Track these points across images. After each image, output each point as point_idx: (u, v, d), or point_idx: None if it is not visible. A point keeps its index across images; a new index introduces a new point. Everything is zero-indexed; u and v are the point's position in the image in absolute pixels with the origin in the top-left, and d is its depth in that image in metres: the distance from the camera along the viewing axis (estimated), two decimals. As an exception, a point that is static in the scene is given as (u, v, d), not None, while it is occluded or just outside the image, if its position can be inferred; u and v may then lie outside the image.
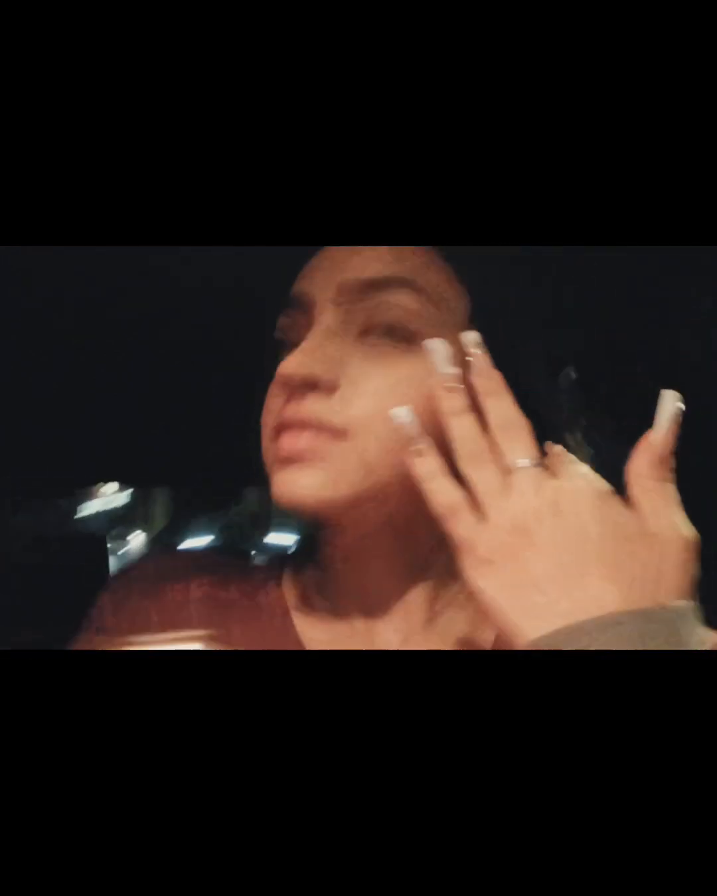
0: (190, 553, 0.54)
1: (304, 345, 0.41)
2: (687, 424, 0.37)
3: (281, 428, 0.41)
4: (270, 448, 0.43)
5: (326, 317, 0.42)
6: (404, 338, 0.41)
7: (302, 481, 0.40)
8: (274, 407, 0.43)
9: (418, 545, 0.44)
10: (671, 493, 0.36)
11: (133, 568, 0.52)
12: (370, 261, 0.42)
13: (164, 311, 0.74)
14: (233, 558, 0.53)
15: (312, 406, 0.41)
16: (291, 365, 0.40)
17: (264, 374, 0.44)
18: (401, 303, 0.41)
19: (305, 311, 0.43)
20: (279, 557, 0.52)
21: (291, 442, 0.41)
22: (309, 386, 0.40)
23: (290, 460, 0.41)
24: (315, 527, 0.47)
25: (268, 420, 0.43)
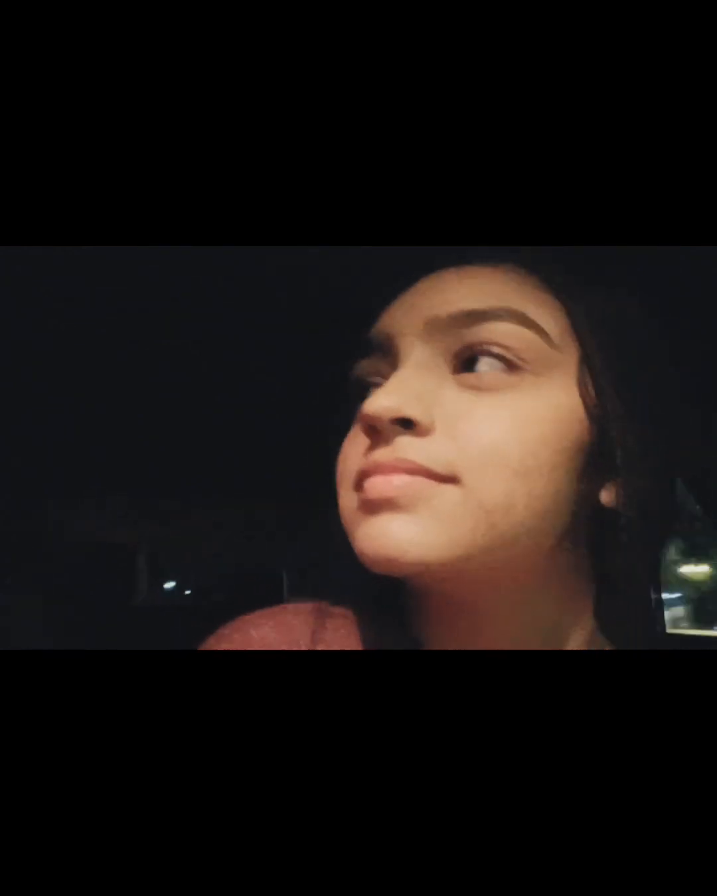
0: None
1: (390, 382, 0.37)
2: None
3: (368, 472, 0.36)
4: (350, 498, 0.37)
5: (415, 353, 0.38)
6: (505, 371, 0.37)
7: (399, 532, 0.34)
8: (354, 452, 0.38)
9: (544, 618, 0.39)
10: None
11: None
12: (460, 294, 0.38)
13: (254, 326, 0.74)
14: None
15: (407, 447, 0.35)
16: (378, 403, 0.35)
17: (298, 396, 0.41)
18: (500, 333, 0.37)
19: (387, 350, 0.39)
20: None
21: (383, 486, 0.35)
22: (401, 426, 0.36)
23: (380, 507, 0.35)
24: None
25: (347, 467, 0.38)
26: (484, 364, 0.37)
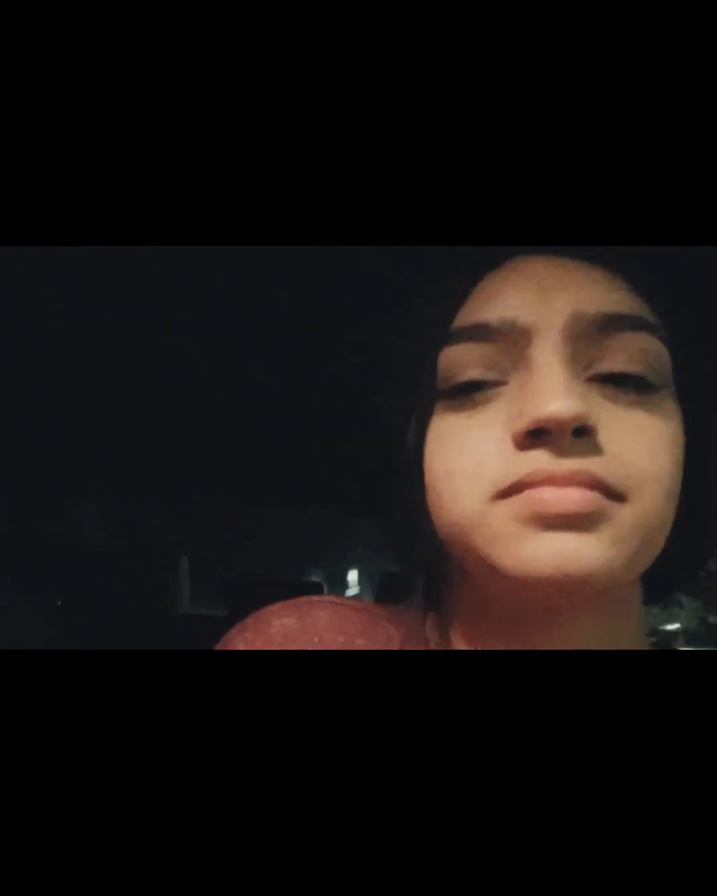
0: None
1: (552, 381, 0.33)
2: None
3: (533, 483, 0.32)
4: (486, 506, 0.34)
5: (562, 351, 0.34)
6: (636, 387, 0.35)
7: (586, 553, 0.31)
8: (490, 453, 0.34)
9: (620, 623, 0.38)
10: None
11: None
12: (599, 291, 0.35)
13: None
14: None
15: (585, 458, 0.32)
16: (570, 407, 0.32)
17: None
18: (641, 343, 0.35)
19: (514, 342, 0.35)
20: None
21: (560, 499, 0.32)
22: (575, 435, 0.32)
23: (556, 524, 0.32)
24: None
25: (495, 472, 0.34)
26: (627, 373, 0.35)
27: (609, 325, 0.34)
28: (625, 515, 0.32)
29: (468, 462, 0.34)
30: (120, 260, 0.66)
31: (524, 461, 0.33)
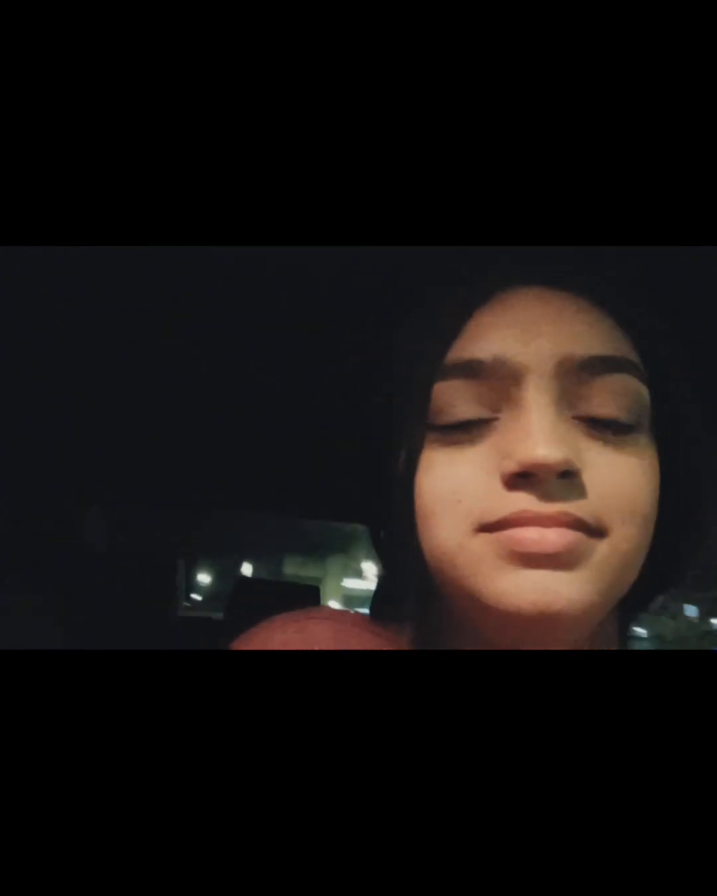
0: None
1: (540, 425, 0.34)
2: None
3: (518, 522, 0.34)
4: (473, 539, 0.35)
5: (549, 392, 0.35)
6: (617, 427, 0.36)
7: (564, 591, 0.33)
8: (477, 490, 0.35)
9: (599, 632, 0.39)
10: None
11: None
12: (585, 330, 0.37)
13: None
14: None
15: (565, 498, 0.34)
16: (554, 454, 0.33)
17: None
18: (624, 385, 0.36)
19: (505, 381, 0.36)
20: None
21: (542, 539, 0.33)
22: (561, 474, 0.34)
23: (538, 562, 0.33)
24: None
25: (467, 506, 0.35)
26: (609, 415, 0.36)
27: (595, 367, 0.36)
28: (602, 550, 0.34)
29: (456, 495, 0.36)
30: (120, 260, 0.66)
31: (511, 500, 0.34)
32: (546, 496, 0.34)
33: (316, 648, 0.41)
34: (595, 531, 0.34)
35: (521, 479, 0.34)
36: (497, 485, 0.35)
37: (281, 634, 0.41)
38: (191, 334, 0.82)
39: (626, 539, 0.35)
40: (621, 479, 0.35)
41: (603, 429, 0.36)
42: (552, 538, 0.33)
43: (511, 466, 0.34)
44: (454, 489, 0.36)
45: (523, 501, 0.34)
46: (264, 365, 0.88)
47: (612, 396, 0.36)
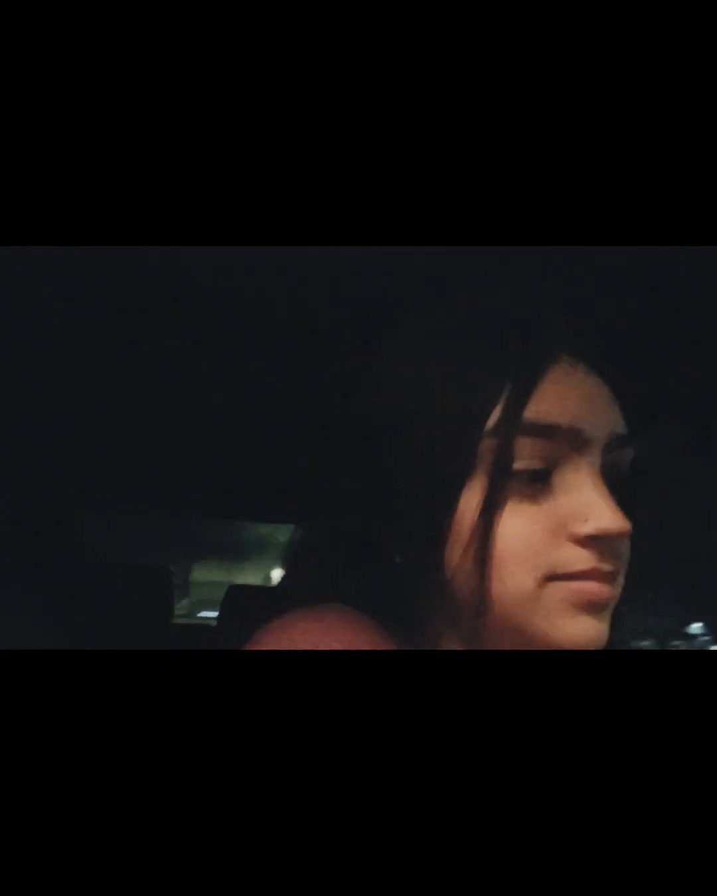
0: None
1: (604, 494, 0.42)
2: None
3: (586, 575, 0.41)
4: (541, 585, 0.41)
5: (600, 463, 0.43)
6: (624, 493, 0.43)
7: (605, 631, 0.41)
8: (559, 547, 0.41)
9: None
10: None
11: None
12: (616, 409, 0.44)
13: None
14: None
15: (616, 557, 0.42)
16: (624, 524, 0.41)
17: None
18: (629, 457, 0.45)
19: (572, 447, 0.42)
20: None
21: (602, 591, 0.41)
22: (621, 538, 0.41)
23: (594, 608, 0.41)
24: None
25: (539, 556, 0.41)
26: (621, 482, 0.44)
27: (622, 442, 0.44)
28: (615, 598, 0.42)
29: (531, 547, 0.41)
30: (120, 260, 0.66)
31: (582, 556, 0.41)
32: (609, 554, 0.41)
33: (332, 638, 0.41)
34: (616, 584, 0.42)
35: (590, 539, 0.41)
36: (564, 539, 0.41)
37: (303, 625, 0.42)
38: (191, 334, 0.82)
39: (622, 584, 0.43)
40: (627, 539, 0.42)
41: (617, 494, 0.43)
42: (609, 592, 0.41)
43: (588, 530, 0.41)
44: (529, 541, 0.41)
45: (593, 559, 0.41)
46: (264, 365, 0.88)
47: (625, 468, 0.44)
